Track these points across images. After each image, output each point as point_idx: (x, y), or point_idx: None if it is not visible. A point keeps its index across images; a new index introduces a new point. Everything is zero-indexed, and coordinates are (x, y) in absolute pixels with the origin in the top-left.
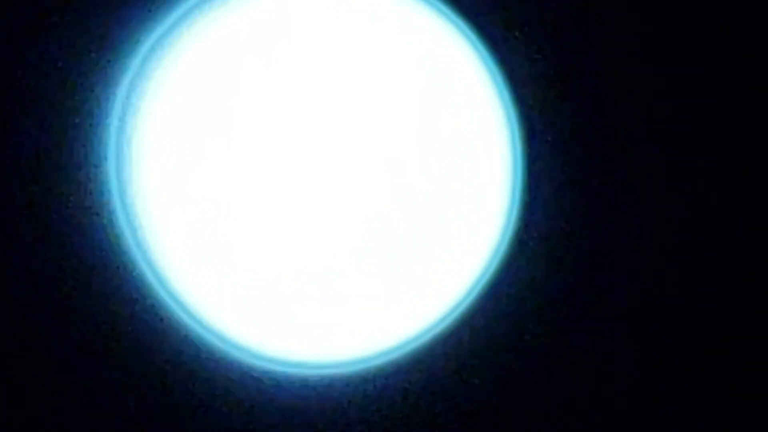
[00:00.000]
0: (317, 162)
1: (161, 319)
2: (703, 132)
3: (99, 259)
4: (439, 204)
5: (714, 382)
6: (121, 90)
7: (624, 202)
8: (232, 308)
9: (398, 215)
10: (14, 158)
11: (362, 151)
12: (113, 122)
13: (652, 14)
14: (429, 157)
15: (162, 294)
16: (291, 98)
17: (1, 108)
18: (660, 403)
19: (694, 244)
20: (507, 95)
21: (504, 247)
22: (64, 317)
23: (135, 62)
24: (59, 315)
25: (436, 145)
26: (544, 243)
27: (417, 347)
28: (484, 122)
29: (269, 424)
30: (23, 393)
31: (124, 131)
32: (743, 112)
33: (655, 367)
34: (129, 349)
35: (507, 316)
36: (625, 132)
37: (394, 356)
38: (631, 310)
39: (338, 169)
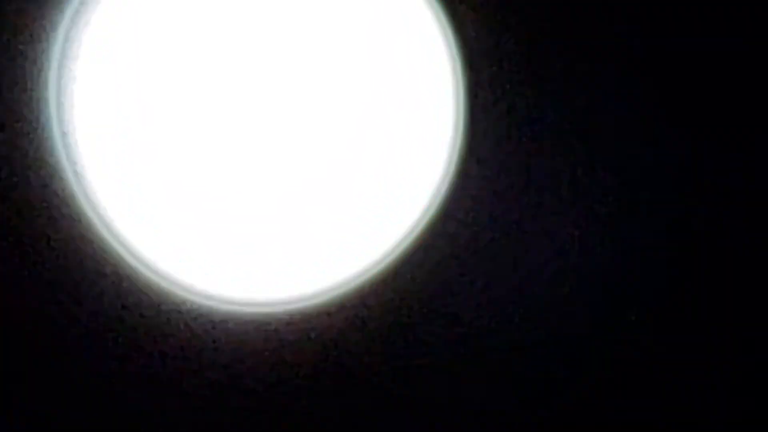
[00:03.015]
0: (258, 98)
1: (106, 264)
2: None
3: (46, 210)
4: (381, 141)
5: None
6: (62, 31)
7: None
8: (178, 249)
9: (341, 151)
10: None
11: (307, 86)
12: (53, 65)
13: None
14: (372, 93)
15: (102, 232)
16: (230, 39)
17: None
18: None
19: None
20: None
21: (446, 186)
22: (11, 264)
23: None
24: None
25: (380, 81)
26: (485, 182)
27: (358, 286)
28: (427, 57)
29: (210, 362)
30: None
31: (65, 74)
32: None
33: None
34: (74, 293)
35: (449, 255)
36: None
37: (335, 295)
38: (568, 244)
39: (279, 105)
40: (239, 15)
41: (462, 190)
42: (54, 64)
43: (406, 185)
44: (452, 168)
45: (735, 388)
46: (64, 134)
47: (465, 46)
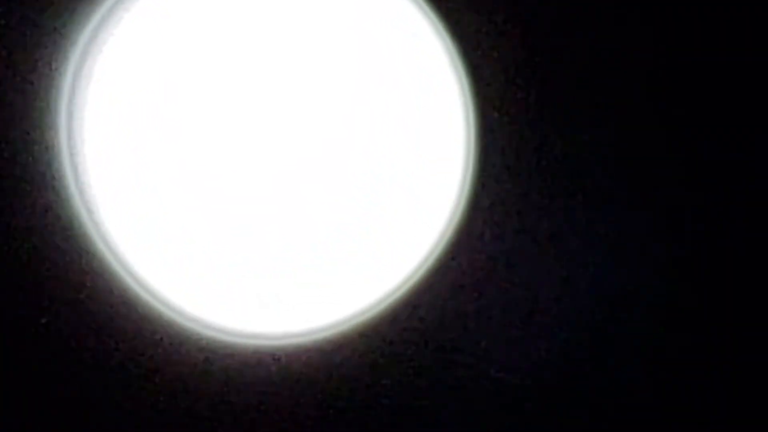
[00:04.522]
0: (270, 137)
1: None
2: (669, 125)
3: (54, 240)
4: (392, 178)
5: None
6: (73, 60)
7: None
8: (187, 282)
9: (352, 190)
10: None
11: (315, 130)
12: (64, 95)
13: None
14: (381, 136)
15: (115, 266)
16: (247, 77)
17: None
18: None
19: (650, 226)
20: (461, 68)
21: (455, 222)
22: (21, 294)
23: (87, 32)
24: (16, 292)
25: (390, 123)
26: (495, 221)
27: (366, 320)
28: (438, 96)
29: (222, 396)
30: None
31: (76, 103)
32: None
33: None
34: (86, 326)
35: (458, 291)
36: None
37: (343, 328)
38: (581, 286)
39: (292, 144)
40: (260, 75)
41: (472, 222)
42: (64, 101)
43: (418, 217)
44: (462, 201)
45: (735, 388)
46: (75, 169)
47: (477, 86)
